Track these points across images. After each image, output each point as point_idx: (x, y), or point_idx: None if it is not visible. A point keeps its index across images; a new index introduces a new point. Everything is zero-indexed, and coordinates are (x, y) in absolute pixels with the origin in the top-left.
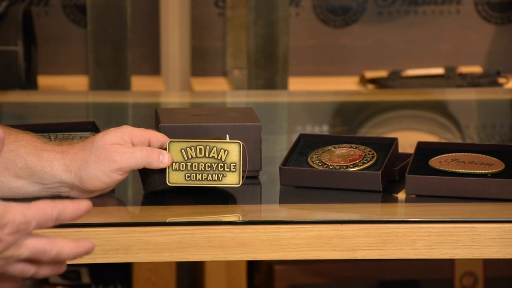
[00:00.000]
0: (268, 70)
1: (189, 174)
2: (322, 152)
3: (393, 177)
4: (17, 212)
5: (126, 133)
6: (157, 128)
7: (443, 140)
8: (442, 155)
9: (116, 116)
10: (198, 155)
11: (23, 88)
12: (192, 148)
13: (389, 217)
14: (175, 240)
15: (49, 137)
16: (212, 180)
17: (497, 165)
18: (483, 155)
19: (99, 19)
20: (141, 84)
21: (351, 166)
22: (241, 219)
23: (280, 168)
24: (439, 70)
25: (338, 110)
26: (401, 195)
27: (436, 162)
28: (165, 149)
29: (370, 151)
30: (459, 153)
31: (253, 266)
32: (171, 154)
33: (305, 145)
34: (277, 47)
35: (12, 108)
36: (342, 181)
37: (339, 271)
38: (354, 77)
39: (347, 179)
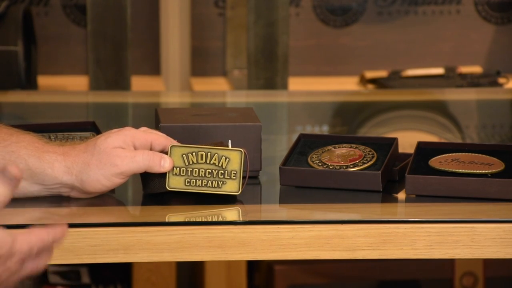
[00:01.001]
0: (268, 70)
1: (189, 180)
2: (322, 152)
3: (393, 177)
4: (23, 242)
5: (128, 135)
6: (157, 128)
7: (443, 140)
8: (442, 155)
9: (116, 116)
10: (199, 161)
11: (23, 88)
12: (194, 153)
13: (389, 217)
14: (175, 240)
15: (49, 137)
16: (212, 186)
17: (497, 165)
18: (483, 155)
19: (99, 19)
20: (141, 84)
21: (351, 166)
22: (241, 219)
23: (280, 168)
24: (439, 70)
25: (338, 110)
26: (401, 195)
27: (436, 162)
28: (166, 152)
29: (370, 151)
30: (459, 153)
31: (253, 266)
32: (172, 159)
33: (305, 145)
34: (277, 47)
35: (12, 108)
36: (342, 181)
37: (339, 271)
38: (354, 77)
39: (347, 179)
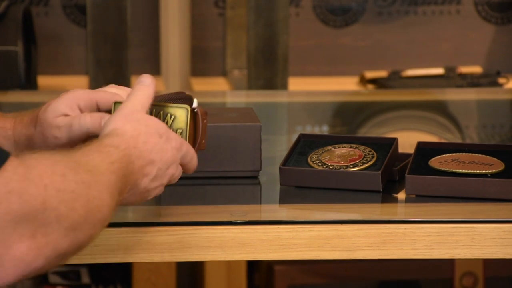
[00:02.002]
0: (268, 70)
1: None
2: (322, 152)
3: (393, 177)
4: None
5: (70, 98)
6: None
7: (443, 140)
8: (442, 155)
9: None
10: None
11: (23, 88)
12: None
13: (389, 217)
14: (175, 240)
15: None
16: None
17: (497, 165)
18: (483, 155)
19: (99, 19)
20: None
21: (351, 166)
22: (241, 219)
23: (280, 168)
24: (439, 70)
25: (338, 110)
26: (401, 195)
27: (436, 162)
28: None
29: (370, 151)
30: (459, 153)
31: (253, 266)
32: None
33: (305, 145)
34: (277, 47)
35: (12, 108)
36: (342, 181)
37: (339, 271)
38: (354, 77)
39: (347, 179)
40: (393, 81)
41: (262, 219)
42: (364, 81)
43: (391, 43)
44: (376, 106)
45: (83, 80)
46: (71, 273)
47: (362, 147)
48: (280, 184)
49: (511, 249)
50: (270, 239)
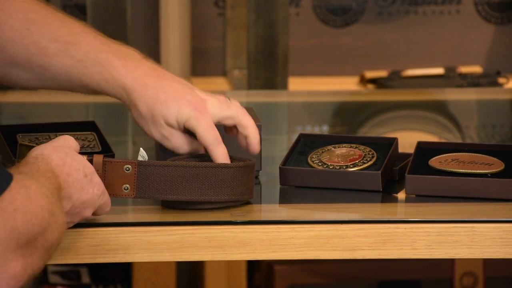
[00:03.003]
0: (268, 70)
1: None
2: (322, 152)
3: (393, 177)
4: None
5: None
6: None
7: (443, 140)
8: (442, 155)
9: (116, 116)
10: None
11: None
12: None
13: (389, 217)
14: (175, 240)
15: (49, 137)
16: None
17: (497, 165)
18: (483, 155)
19: (99, 19)
20: None
21: (351, 166)
22: (241, 219)
23: (280, 168)
24: (439, 70)
25: (338, 110)
26: (401, 195)
27: (436, 162)
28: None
29: (370, 151)
30: (459, 153)
31: (253, 266)
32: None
33: (305, 145)
34: (277, 47)
35: (12, 108)
36: (342, 181)
37: (339, 271)
38: (354, 77)
39: (347, 179)
40: (393, 81)
41: (262, 219)
42: (364, 81)
43: (391, 43)
44: (376, 106)
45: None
46: (71, 273)
47: (362, 147)
48: (280, 184)
49: (511, 249)
50: (270, 239)
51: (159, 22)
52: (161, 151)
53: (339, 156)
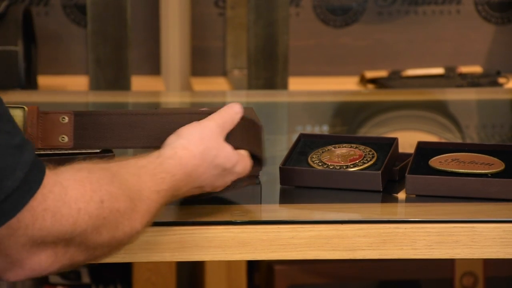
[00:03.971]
0: (268, 70)
1: None
2: (322, 152)
3: (393, 177)
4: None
5: None
6: None
7: (443, 140)
8: (442, 155)
9: None
10: None
11: (23, 88)
12: None
13: (389, 217)
14: (175, 240)
15: None
16: None
17: (497, 165)
18: (483, 155)
19: (99, 19)
20: (141, 84)
21: (351, 166)
22: (241, 219)
23: (280, 168)
24: (439, 70)
25: (338, 110)
26: (401, 195)
27: (436, 162)
28: None
29: (370, 151)
30: (459, 153)
31: (253, 266)
32: None
33: (305, 145)
34: (277, 47)
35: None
36: (342, 181)
37: (339, 271)
38: (354, 77)
39: (347, 179)
40: (393, 81)
41: (262, 219)
42: (364, 81)
43: (391, 43)
44: (376, 106)
45: (83, 80)
46: (71, 273)
47: (362, 147)
48: (280, 184)
49: (511, 249)
50: (270, 239)
51: (159, 22)
52: None
53: (339, 156)
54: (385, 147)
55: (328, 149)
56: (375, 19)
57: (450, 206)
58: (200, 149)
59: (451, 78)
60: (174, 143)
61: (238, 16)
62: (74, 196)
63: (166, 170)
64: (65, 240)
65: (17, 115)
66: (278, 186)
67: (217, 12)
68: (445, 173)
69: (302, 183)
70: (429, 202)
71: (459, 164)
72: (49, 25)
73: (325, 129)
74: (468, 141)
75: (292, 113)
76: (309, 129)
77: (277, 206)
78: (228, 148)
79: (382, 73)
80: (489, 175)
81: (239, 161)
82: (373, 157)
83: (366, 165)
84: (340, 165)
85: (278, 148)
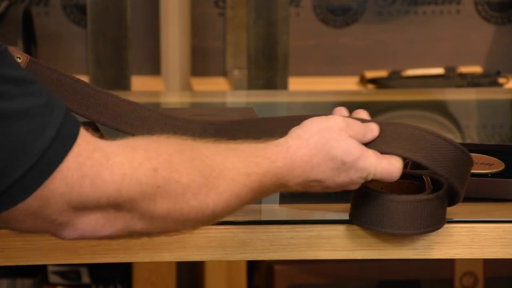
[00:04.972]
0: (268, 70)
1: None
2: None
3: None
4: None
5: None
6: None
7: None
8: None
9: None
10: None
11: None
12: None
13: None
14: (175, 240)
15: None
16: None
17: (497, 165)
18: (483, 155)
19: (99, 19)
20: (141, 84)
21: None
22: (241, 219)
23: None
24: (439, 70)
25: None
26: None
27: None
28: None
29: None
30: None
31: (253, 266)
32: None
33: None
34: (277, 47)
35: None
36: None
37: (339, 271)
38: (354, 77)
39: None
40: (393, 81)
41: (262, 219)
42: (364, 81)
43: (391, 43)
44: (376, 106)
45: (83, 80)
46: (71, 273)
47: None
48: None
49: (511, 249)
50: (270, 239)
51: (159, 22)
52: None
53: None
54: None
55: None
56: (375, 19)
57: (450, 206)
58: (316, 139)
59: (451, 78)
60: (292, 133)
61: (238, 16)
62: (118, 162)
63: (266, 155)
64: (113, 205)
65: None
66: None
67: (217, 12)
68: None
69: None
70: None
71: None
72: (49, 25)
73: None
74: (468, 141)
75: (292, 113)
76: None
77: (277, 206)
78: (349, 141)
79: (382, 73)
80: (489, 175)
81: (363, 155)
82: None
83: None
84: None
85: None
